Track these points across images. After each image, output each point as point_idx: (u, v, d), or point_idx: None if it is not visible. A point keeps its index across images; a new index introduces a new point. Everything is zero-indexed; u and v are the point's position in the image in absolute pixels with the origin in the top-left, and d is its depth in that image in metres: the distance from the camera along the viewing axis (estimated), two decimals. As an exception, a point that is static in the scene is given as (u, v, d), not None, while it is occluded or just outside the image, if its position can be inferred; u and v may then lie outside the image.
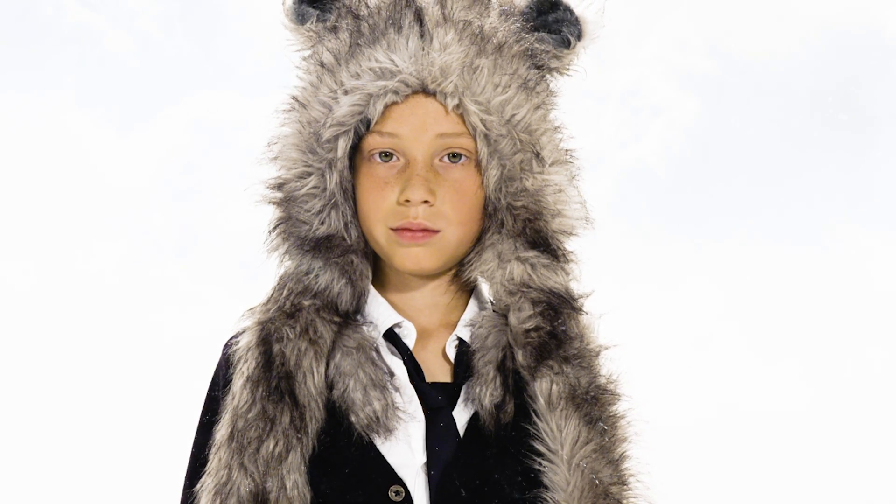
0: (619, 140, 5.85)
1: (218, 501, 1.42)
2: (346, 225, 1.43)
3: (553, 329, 1.43)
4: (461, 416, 1.44)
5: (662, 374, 5.10)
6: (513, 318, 1.43)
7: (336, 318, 1.44)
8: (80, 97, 5.88)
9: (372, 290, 1.50)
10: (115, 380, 4.95)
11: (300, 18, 1.47)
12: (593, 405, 1.42)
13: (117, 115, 5.90)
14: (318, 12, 1.45)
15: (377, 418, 1.40)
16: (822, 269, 5.45)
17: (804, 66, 5.71)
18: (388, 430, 1.42)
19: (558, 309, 1.44)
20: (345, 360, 1.41)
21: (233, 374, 1.47)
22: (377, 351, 1.44)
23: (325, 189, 1.42)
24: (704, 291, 5.48)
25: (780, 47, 5.72)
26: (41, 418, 4.86)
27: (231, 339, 1.54)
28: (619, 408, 1.48)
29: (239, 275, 5.37)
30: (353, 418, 1.41)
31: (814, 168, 5.56)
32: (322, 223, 1.43)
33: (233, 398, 1.45)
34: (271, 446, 1.38)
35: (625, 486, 1.45)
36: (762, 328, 5.42)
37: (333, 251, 1.44)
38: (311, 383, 1.40)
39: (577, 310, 1.46)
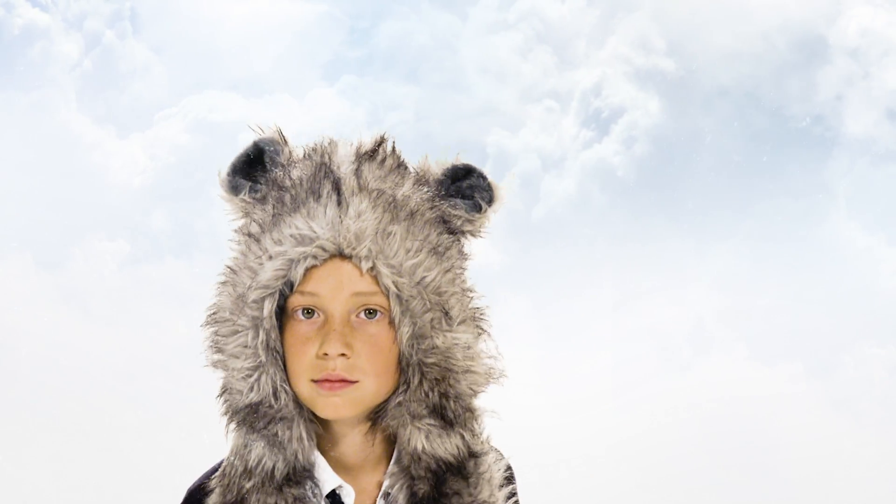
0: (581, 140, 5.86)
1: None
2: (274, 389, 1.54)
3: (436, 493, 1.57)
4: None
5: (628, 371, 5.11)
6: (413, 475, 1.57)
7: (278, 489, 1.56)
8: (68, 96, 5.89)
9: (316, 451, 1.61)
10: (115, 379, 4.95)
11: (234, 189, 1.58)
12: None
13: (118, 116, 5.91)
14: (249, 184, 1.57)
15: None
16: (782, 266, 5.46)
17: (765, 66, 5.73)
18: None
19: (445, 474, 1.57)
20: None
21: None
22: None
23: (249, 347, 1.53)
24: (667, 288, 5.49)
25: (740, 47, 5.74)
26: (41, 418, 4.87)
27: (192, 498, 1.65)
28: None
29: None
30: None
31: (775, 166, 5.58)
32: (251, 389, 1.53)
33: None
34: None
35: None
36: (725, 323, 5.44)
37: (259, 421, 1.55)
38: None
39: (466, 473, 1.58)
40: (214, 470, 1.61)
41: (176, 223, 5.66)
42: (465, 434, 1.56)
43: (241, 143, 1.60)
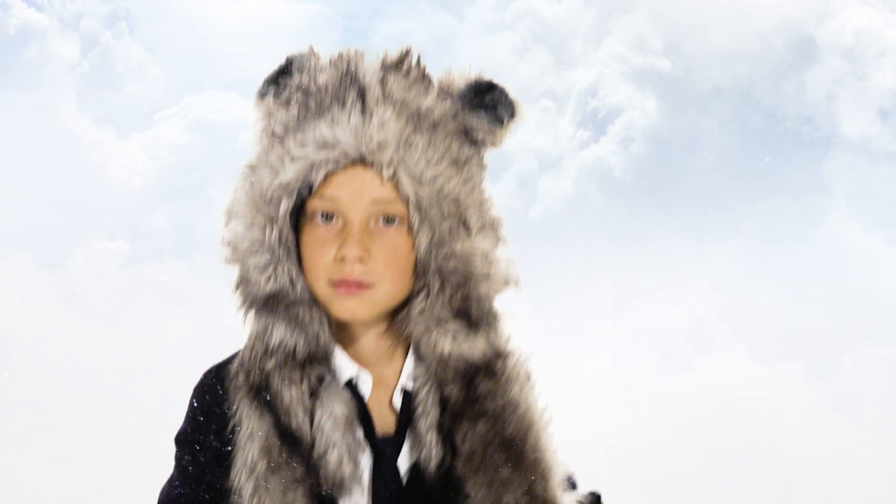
0: (578, 140, 5.86)
1: None
2: (291, 280, 1.54)
3: (467, 395, 1.56)
4: (403, 464, 1.60)
5: (628, 371, 5.11)
6: (440, 380, 1.59)
7: (300, 367, 1.57)
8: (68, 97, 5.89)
9: (334, 342, 1.63)
10: (115, 379, 4.95)
11: (260, 94, 1.59)
12: (502, 453, 1.57)
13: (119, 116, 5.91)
14: (275, 88, 1.57)
15: (342, 484, 1.56)
16: (782, 266, 5.47)
17: (762, 66, 5.73)
18: (346, 494, 1.57)
19: (473, 376, 1.58)
20: (328, 423, 1.56)
21: (227, 414, 1.60)
22: (359, 422, 1.58)
23: (265, 243, 1.55)
24: (666, 288, 5.49)
25: (737, 47, 5.74)
26: (41, 418, 4.87)
27: (208, 378, 1.66)
28: (528, 449, 1.60)
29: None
30: (321, 473, 1.56)
31: (774, 166, 5.58)
32: (268, 280, 1.55)
33: (245, 461, 1.57)
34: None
35: None
36: (725, 323, 5.44)
37: (279, 306, 1.55)
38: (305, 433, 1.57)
39: (494, 374, 1.59)
40: (229, 360, 1.62)
41: (176, 223, 5.66)
42: (489, 334, 1.57)
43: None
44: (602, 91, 5.68)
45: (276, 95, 1.57)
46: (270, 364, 1.55)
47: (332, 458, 1.54)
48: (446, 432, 1.56)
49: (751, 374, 5.25)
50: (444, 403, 1.57)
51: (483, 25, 6.17)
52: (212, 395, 1.60)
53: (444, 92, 1.57)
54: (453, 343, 1.55)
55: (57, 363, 5.06)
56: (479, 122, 1.57)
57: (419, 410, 1.57)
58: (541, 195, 5.59)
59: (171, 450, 1.74)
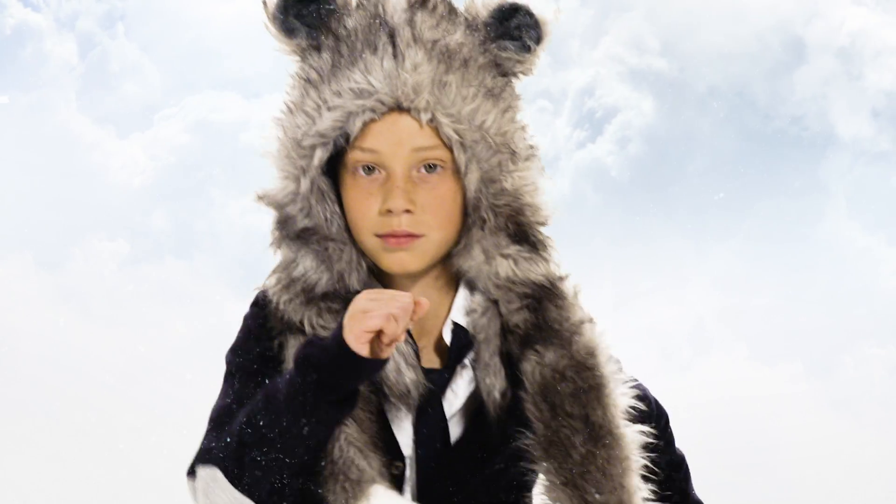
0: (575, 140, 5.87)
1: None
2: (326, 218, 1.54)
3: (536, 319, 1.54)
4: (452, 402, 1.56)
5: (628, 371, 5.11)
6: (502, 309, 1.55)
7: (315, 301, 1.55)
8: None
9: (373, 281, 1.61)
10: (115, 379, 4.95)
11: (289, 32, 1.56)
12: (570, 382, 1.53)
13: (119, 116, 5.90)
14: (305, 28, 1.55)
15: (408, 391, 1.53)
16: (782, 266, 5.47)
17: (759, 66, 5.73)
18: (414, 403, 1.54)
19: (541, 299, 1.54)
20: None
21: (284, 334, 1.58)
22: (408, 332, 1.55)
23: (298, 193, 1.53)
24: (666, 288, 5.49)
25: (735, 47, 5.74)
26: (41, 418, 4.87)
27: (260, 298, 1.63)
28: (595, 379, 1.56)
29: (238, 274, 5.37)
30: (385, 390, 1.53)
31: (772, 166, 5.58)
32: (305, 216, 1.54)
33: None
34: None
35: (599, 447, 1.50)
36: (725, 323, 5.44)
37: (312, 238, 1.54)
38: None
39: (558, 296, 1.56)
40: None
41: (176, 223, 5.66)
42: (548, 258, 1.57)
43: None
44: (599, 91, 5.69)
45: (309, 36, 1.53)
46: (286, 296, 1.54)
47: (390, 368, 1.51)
48: (513, 360, 1.53)
49: (751, 374, 5.25)
50: (505, 332, 1.54)
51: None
52: (257, 319, 1.59)
53: (472, 24, 1.55)
54: (516, 266, 1.53)
55: (57, 363, 5.06)
56: (507, 52, 1.55)
57: (481, 337, 1.54)
58: (538, 195, 5.55)
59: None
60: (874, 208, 5.64)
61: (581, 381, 1.53)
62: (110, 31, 6.00)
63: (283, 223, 1.55)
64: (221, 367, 1.63)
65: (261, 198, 1.57)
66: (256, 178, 1.60)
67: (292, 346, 1.53)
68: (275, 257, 1.58)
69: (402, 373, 1.53)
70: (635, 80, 5.70)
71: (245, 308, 1.61)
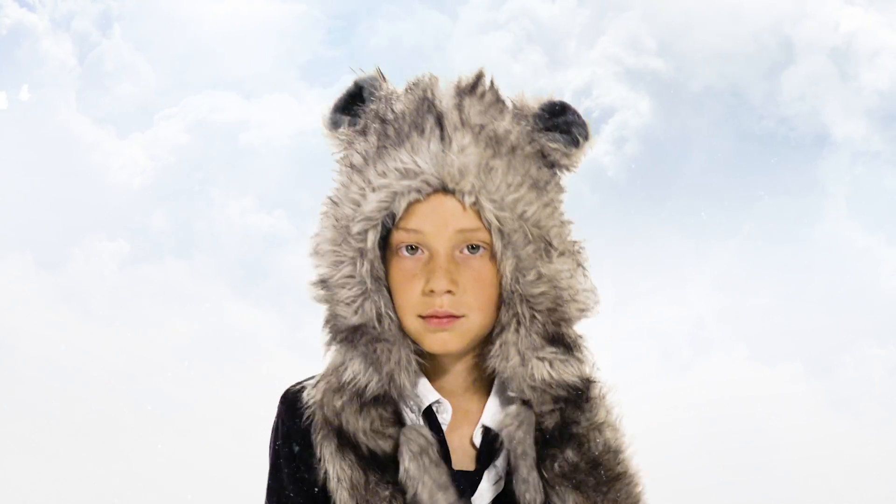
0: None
1: None
2: (378, 314, 1.54)
3: (565, 419, 1.57)
4: (485, 498, 1.59)
5: (628, 371, 5.11)
6: (536, 410, 1.58)
7: (367, 406, 1.58)
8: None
9: (421, 376, 1.63)
10: (115, 379, 4.95)
11: (334, 125, 1.58)
12: (590, 477, 1.58)
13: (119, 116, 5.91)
14: (349, 118, 1.57)
15: None
16: (782, 266, 5.47)
17: (756, 66, 5.74)
18: None
19: (576, 401, 1.57)
20: (412, 464, 1.54)
21: (311, 433, 1.62)
22: (438, 452, 1.58)
23: (355, 276, 1.54)
24: (666, 288, 5.49)
25: (732, 47, 5.74)
26: (41, 418, 4.87)
27: (293, 392, 1.67)
28: (615, 473, 1.61)
29: (238, 274, 5.37)
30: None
31: (770, 166, 5.59)
32: (355, 313, 1.55)
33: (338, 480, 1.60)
34: None
35: None
36: (725, 323, 5.44)
37: (360, 340, 1.55)
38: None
39: (590, 397, 1.60)
40: (306, 383, 1.63)
41: (176, 223, 5.66)
42: (581, 358, 1.58)
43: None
44: (596, 91, 5.70)
45: (352, 124, 1.57)
46: (339, 402, 1.56)
47: (424, 495, 1.54)
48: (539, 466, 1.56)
49: (751, 374, 5.25)
50: (542, 436, 1.56)
51: (477, 25, 6.18)
52: (290, 420, 1.61)
53: (519, 114, 1.57)
54: (551, 369, 1.55)
55: (57, 363, 5.06)
56: (555, 143, 1.58)
57: (518, 451, 1.55)
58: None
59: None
60: (874, 208, 5.64)
61: (598, 476, 1.58)
62: (107, 32, 6.01)
63: (332, 321, 1.56)
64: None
65: (316, 284, 1.58)
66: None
67: (337, 460, 1.55)
68: (324, 355, 1.61)
69: (434, 498, 1.54)
70: (632, 80, 5.71)
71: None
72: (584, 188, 5.48)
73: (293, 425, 1.59)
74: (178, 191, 5.75)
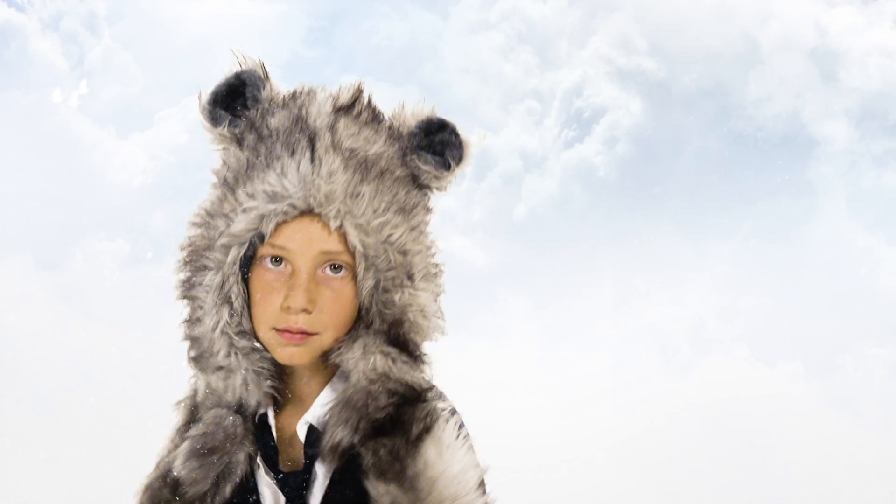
0: (563, 140, 5.87)
1: None
2: (214, 327, 1.58)
3: (396, 416, 1.57)
4: (316, 496, 1.61)
5: (628, 371, 5.12)
6: (370, 405, 1.60)
7: (234, 415, 1.64)
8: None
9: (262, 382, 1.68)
10: (115, 379, 4.95)
11: (214, 121, 1.60)
12: (399, 471, 1.58)
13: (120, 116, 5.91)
14: (229, 117, 1.59)
15: None
16: (782, 266, 5.47)
17: (746, 66, 5.74)
18: None
19: (410, 400, 1.57)
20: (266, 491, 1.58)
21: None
22: (260, 458, 1.61)
23: (210, 287, 1.58)
24: (666, 288, 5.50)
25: (722, 47, 5.75)
26: (41, 418, 4.87)
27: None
28: (428, 473, 1.59)
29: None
30: None
31: (765, 166, 5.59)
32: (199, 321, 1.58)
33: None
34: None
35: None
36: (725, 323, 5.44)
37: (203, 359, 1.60)
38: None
39: (425, 402, 1.58)
40: None
41: (176, 223, 5.66)
42: (423, 371, 1.59)
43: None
44: (587, 91, 5.70)
45: (232, 124, 1.59)
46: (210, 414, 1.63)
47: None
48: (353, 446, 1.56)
49: (751, 374, 5.25)
50: (356, 429, 1.57)
51: (468, 25, 6.19)
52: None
53: (394, 133, 1.58)
54: (392, 364, 1.56)
55: (57, 363, 5.07)
56: (426, 166, 1.58)
57: (333, 444, 1.56)
58: (526, 195, 5.59)
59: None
60: (873, 208, 5.64)
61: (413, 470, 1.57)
62: (93, 31, 6.01)
63: (188, 326, 1.60)
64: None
65: (179, 284, 1.61)
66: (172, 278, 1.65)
67: None
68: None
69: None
70: (623, 80, 5.72)
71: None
72: (576, 187, 5.49)
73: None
74: (178, 191, 5.76)
